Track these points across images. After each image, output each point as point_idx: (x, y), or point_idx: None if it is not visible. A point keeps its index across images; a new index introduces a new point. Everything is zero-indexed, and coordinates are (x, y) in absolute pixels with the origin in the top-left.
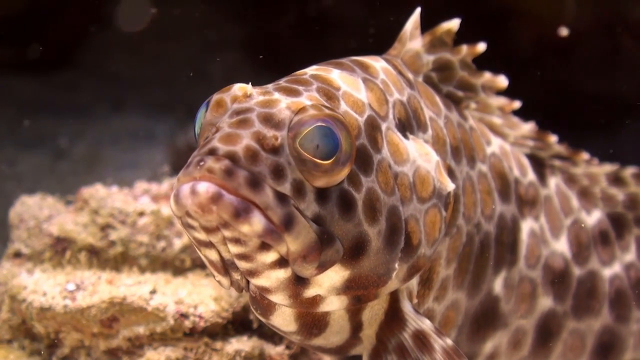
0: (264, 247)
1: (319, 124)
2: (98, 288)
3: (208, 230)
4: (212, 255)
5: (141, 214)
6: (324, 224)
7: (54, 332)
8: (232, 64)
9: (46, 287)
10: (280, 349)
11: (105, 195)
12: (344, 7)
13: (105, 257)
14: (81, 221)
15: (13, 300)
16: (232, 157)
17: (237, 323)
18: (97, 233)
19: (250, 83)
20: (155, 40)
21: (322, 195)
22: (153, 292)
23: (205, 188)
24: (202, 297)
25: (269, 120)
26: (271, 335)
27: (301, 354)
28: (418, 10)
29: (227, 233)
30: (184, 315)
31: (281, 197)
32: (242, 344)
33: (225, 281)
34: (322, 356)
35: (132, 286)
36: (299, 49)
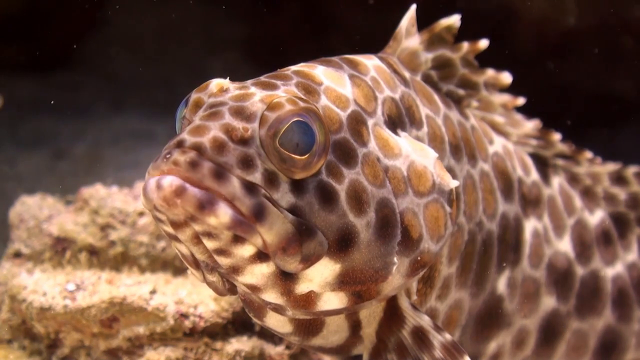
0: (238, 239)
1: (296, 119)
2: (98, 288)
3: (176, 224)
4: (183, 249)
5: (141, 214)
6: (302, 215)
7: (54, 332)
8: (232, 64)
9: (46, 287)
10: (280, 349)
11: (105, 195)
12: (345, 7)
13: (105, 257)
14: (81, 221)
15: (13, 300)
16: (198, 148)
17: (237, 323)
18: (97, 233)
19: (228, 78)
20: (155, 40)
21: (297, 186)
22: (153, 292)
23: (169, 182)
24: (202, 297)
25: (240, 112)
26: (271, 335)
27: (301, 354)
28: (413, 6)
29: (197, 227)
30: (184, 315)
31: (250, 187)
32: (242, 344)
33: (198, 275)
34: (323, 356)
35: (132, 286)
36: (299, 49)
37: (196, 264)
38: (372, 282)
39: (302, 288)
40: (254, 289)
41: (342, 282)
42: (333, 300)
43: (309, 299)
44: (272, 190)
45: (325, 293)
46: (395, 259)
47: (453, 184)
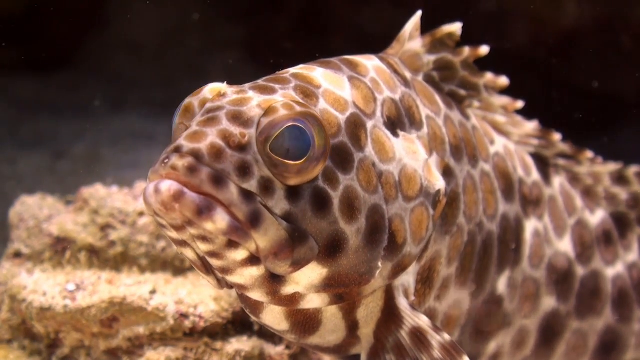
0: (232, 244)
1: (289, 124)
2: (98, 288)
3: (176, 228)
4: (190, 254)
5: (141, 214)
6: (296, 222)
7: (54, 332)
8: (232, 64)
9: (46, 287)
10: (280, 349)
11: (105, 195)
12: (344, 7)
13: (105, 257)
14: (81, 221)
15: (13, 300)
16: (195, 154)
17: (237, 323)
18: (97, 233)
19: (225, 82)
20: (155, 40)
21: (293, 193)
22: (153, 292)
23: (167, 186)
24: (202, 297)
25: (237, 118)
26: (271, 335)
27: (301, 354)
28: (419, 13)
29: (192, 231)
30: (184, 315)
31: (247, 195)
32: (242, 344)
33: (212, 281)
34: (322, 356)
35: (132, 286)
36: (299, 49)
37: (206, 269)
38: (356, 285)
39: (288, 290)
40: (241, 287)
41: (327, 285)
42: (315, 301)
43: (293, 299)
44: (267, 198)
45: (309, 294)
46: (379, 264)
47: (438, 185)
